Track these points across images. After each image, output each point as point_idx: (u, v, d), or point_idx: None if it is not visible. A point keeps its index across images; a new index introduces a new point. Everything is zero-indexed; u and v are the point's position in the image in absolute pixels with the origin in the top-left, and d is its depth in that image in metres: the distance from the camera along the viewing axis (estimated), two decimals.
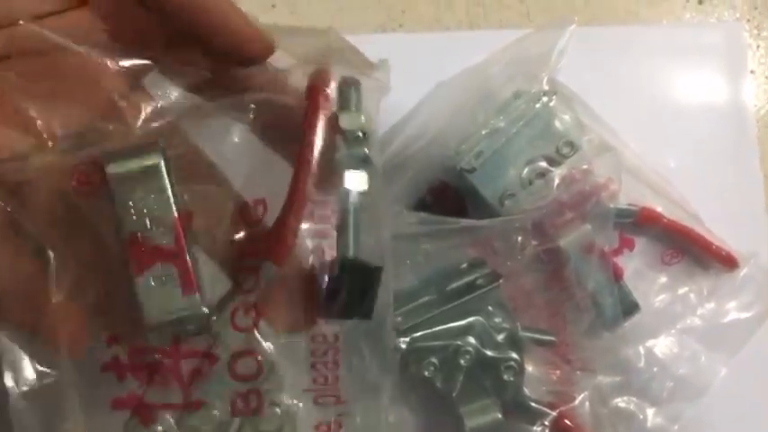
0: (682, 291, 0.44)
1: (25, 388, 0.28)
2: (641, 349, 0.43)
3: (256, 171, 0.31)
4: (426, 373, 0.38)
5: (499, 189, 0.39)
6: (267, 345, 0.30)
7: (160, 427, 0.30)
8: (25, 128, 0.27)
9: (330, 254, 0.30)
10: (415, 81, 0.34)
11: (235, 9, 0.28)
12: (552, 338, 0.40)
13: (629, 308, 0.41)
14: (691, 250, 0.44)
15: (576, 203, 0.40)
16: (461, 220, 0.39)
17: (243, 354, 0.30)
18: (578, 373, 0.41)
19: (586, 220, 0.40)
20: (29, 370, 0.28)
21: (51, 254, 0.28)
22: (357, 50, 0.32)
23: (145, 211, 0.27)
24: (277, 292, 0.30)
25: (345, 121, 0.30)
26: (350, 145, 0.30)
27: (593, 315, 0.40)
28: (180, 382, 0.30)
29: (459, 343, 0.38)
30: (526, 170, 0.40)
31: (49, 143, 0.28)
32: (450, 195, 0.41)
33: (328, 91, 0.30)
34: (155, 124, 0.29)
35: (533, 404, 0.39)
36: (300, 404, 0.31)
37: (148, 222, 0.27)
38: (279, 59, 0.30)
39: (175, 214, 0.27)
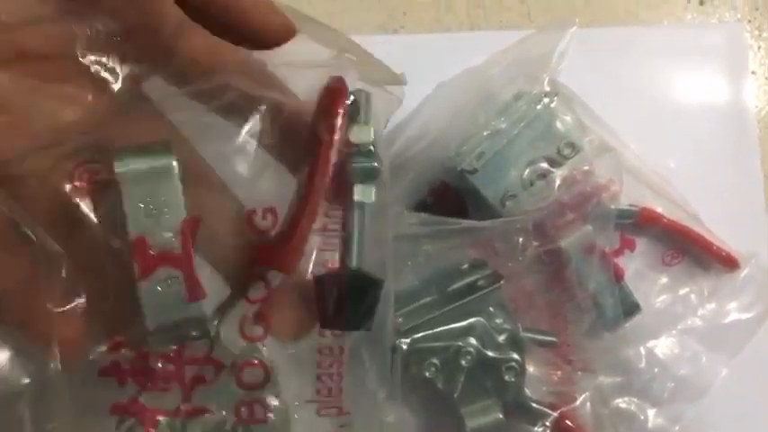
0: (682, 291, 0.44)
1: (15, 389, 0.28)
2: (642, 350, 0.43)
3: (266, 179, 0.30)
4: (427, 374, 0.38)
5: (500, 190, 0.39)
6: (274, 354, 0.30)
7: None
8: (25, 128, 0.27)
9: (334, 264, 0.30)
10: (415, 82, 0.34)
11: None
12: (553, 339, 0.40)
13: (630, 308, 0.41)
14: (691, 251, 0.44)
15: (576, 204, 0.40)
16: (462, 221, 0.39)
17: (249, 362, 0.30)
18: (579, 373, 0.41)
19: (587, 221, 0.40)
20: (20, 371, 0.28)
21: (50, 255, 0.27)
22: (380, 61, 0.32)
23: (154, 212, 0.27)
24: (283, 300, 0.30)
25: (355, 135, 0.30)
26: (359, 158, 0.30)
27: (594, 316, 0.40)
28: (183, 388, 0.30)
29: (460, 344, 0.38)
30: (527, 171, 0.40)
31: (49, 143, 0.28)
32: (451, 196, 0.41)
33: (347, 102, 0.30)
34: (155, 128, 0.29)
35: (534, 405, 0.39)
36: (303, 415, 0.31)
37: (156, 225, 0.27)
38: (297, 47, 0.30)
39: (185, 218, 0.27)
